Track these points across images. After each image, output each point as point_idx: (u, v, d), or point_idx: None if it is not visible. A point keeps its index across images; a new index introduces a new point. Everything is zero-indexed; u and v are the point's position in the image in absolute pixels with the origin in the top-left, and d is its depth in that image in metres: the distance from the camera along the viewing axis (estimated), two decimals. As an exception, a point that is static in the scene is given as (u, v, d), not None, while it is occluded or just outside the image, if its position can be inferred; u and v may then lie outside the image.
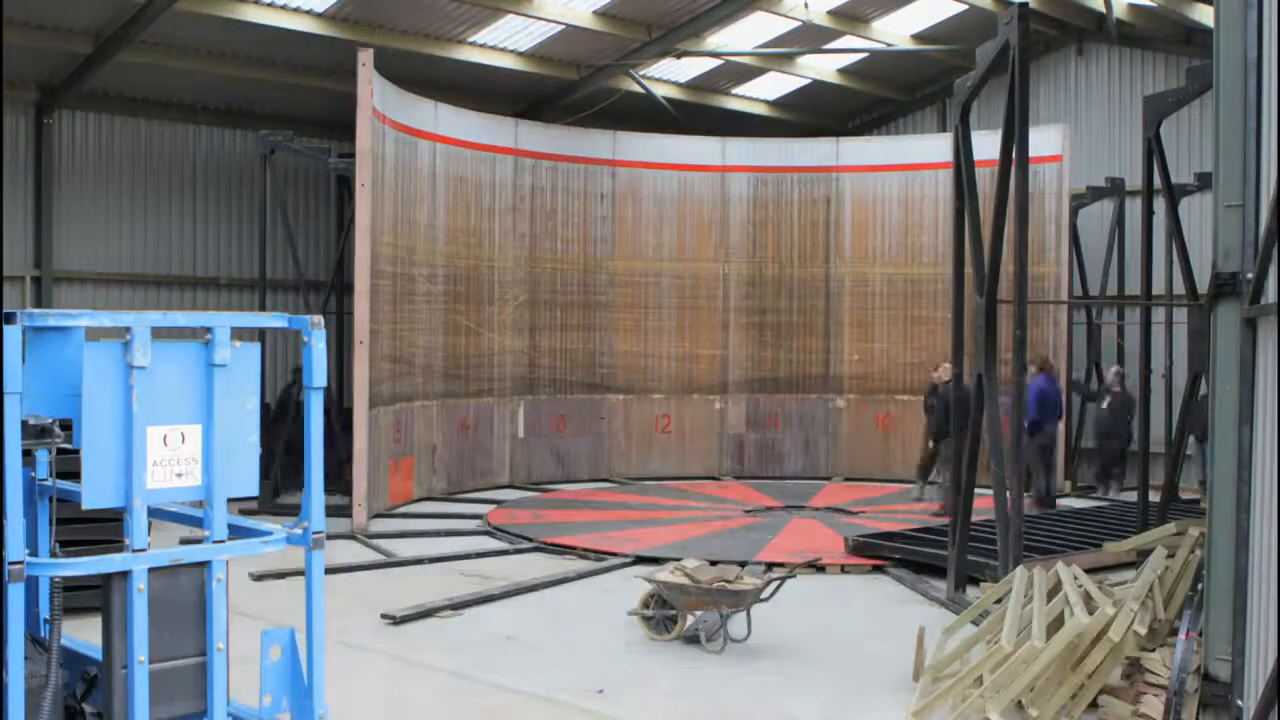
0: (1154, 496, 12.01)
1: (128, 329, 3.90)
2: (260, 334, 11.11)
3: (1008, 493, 9.62)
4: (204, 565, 4.11)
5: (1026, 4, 9.42)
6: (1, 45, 12.49)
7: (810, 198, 19.12)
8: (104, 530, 5.40)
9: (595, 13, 16.70)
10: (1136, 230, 14.87)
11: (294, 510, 4.60)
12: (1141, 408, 12.60)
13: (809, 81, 20.21)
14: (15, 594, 3.72)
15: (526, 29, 16.92)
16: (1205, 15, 15.98)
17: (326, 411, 5.50)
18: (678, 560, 9.61)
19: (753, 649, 8.84)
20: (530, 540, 12.94)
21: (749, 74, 20.08)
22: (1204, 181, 15.65)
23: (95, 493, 3.90)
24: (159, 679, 3.97)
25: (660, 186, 18.90)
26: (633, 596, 9.53)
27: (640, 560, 11.95)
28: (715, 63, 19.14)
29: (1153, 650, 7.27)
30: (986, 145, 11.57)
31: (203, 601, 4.11)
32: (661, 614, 8.99)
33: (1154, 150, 11.71)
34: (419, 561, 11.97)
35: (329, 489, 5.63)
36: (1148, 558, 8.85)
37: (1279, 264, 5.62)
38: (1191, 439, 12.91)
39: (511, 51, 17.66)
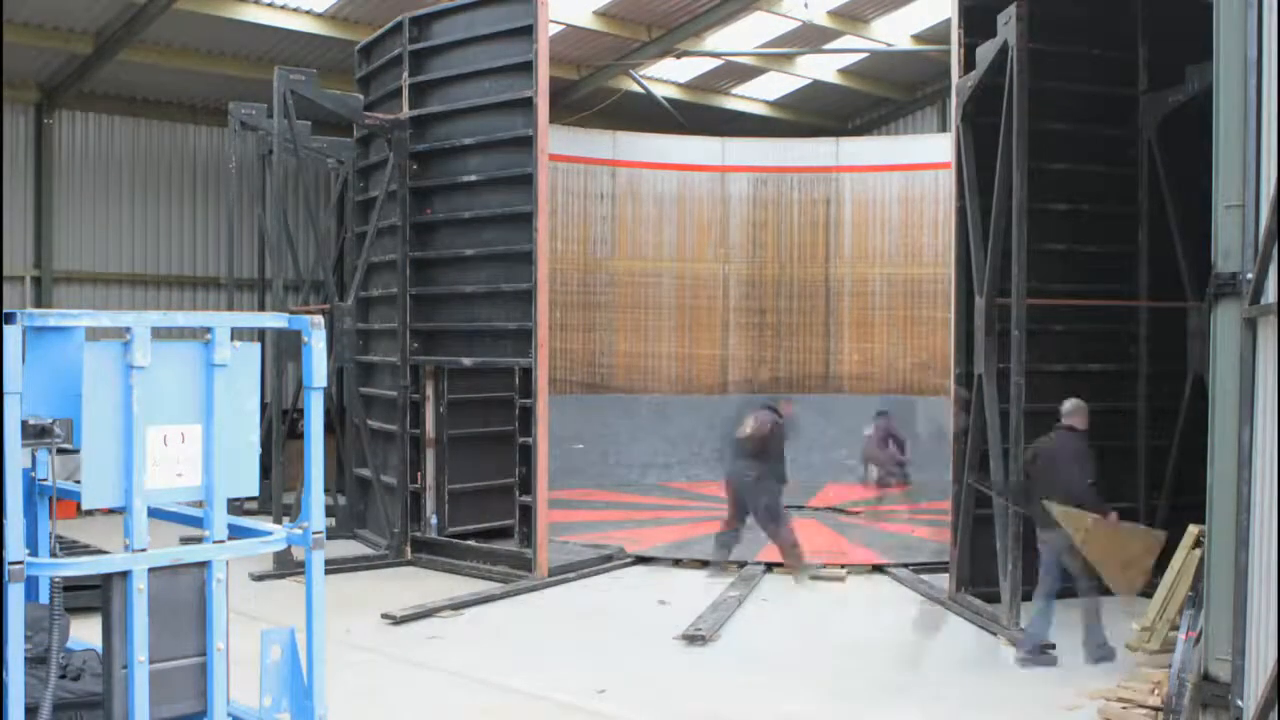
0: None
1: (128, 329, 3.90)
2: (260, 334, 11.11)
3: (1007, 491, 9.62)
4: (204, 565, 4.11)
5: (1025, 4, 9.39)
6: (1, 45, 12.50)
7: (810, 198, 19.11)
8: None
9: (595, 13, 16.69)
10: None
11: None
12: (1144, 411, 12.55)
13: (809, 81, 20.20)
14: (15, 594, 3.72)
15: (526, 29, 16.90)
16: (1205, 15, 15.95)
17: (327, 413, 5.49)
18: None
19: (753, 649, 8.84)
20: (530, 540, 12.91)
21: (749, 74, 20.07)
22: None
23: (95, 493, 3.90)
24: (159, 679, 3.97)
25: (660, 186, 18.89)
26: (632, 595, 9.51)
27: (640, 560, 11.94)
28: (715, 63, 19.14)
29: (1152, 650, 7.29)
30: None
31: (202, 601, 4.11)
32: None
33: (1154, 150, 11.69)
34: (419, 561, 11.96)
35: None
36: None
37: (1279, 264, 5.62)
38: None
39: (511, 51, 17.64)
